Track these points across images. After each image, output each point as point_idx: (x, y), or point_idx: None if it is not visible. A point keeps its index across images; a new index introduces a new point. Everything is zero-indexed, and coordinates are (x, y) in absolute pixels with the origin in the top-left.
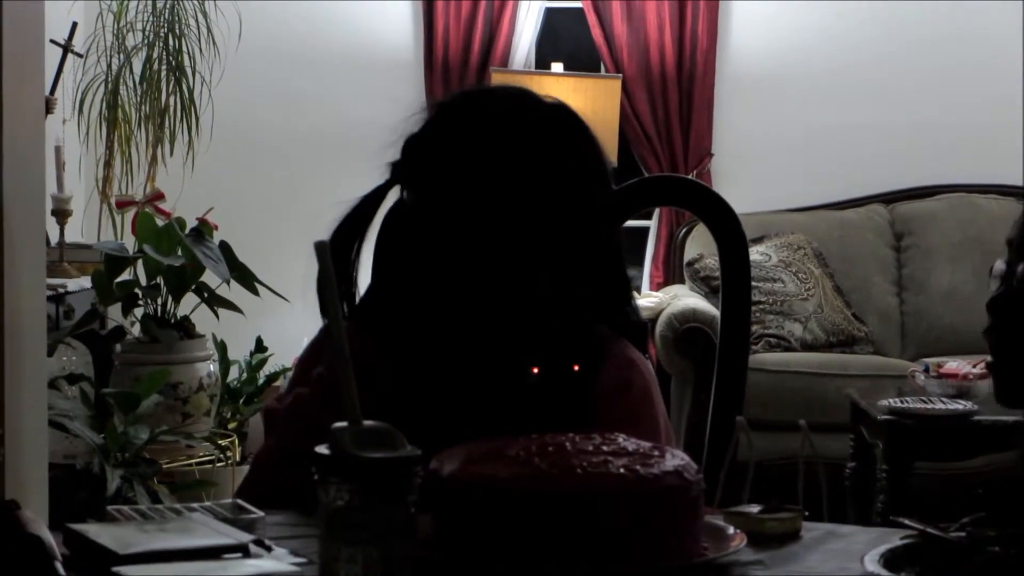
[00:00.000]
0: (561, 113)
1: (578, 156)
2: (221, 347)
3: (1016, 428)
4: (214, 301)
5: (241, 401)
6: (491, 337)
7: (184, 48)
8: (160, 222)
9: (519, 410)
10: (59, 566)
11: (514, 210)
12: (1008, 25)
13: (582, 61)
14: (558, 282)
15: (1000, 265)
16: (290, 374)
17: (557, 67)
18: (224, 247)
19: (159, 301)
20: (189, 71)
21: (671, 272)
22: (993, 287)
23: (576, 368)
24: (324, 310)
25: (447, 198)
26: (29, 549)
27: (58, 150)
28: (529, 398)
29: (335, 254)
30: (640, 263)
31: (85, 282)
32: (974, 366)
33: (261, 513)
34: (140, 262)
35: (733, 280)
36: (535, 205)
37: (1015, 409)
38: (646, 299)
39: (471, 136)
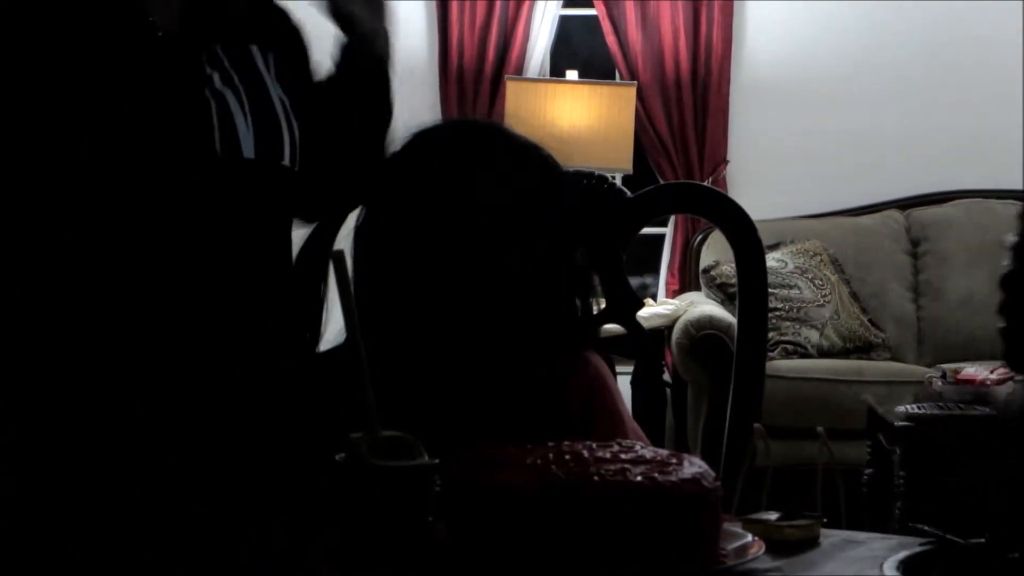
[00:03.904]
0: (531, 151)
1: (542, 192)
2: None
3: None
4: None
5: None
6: (448, 347)
7: None
8: None
9: (472, 414)
10: None
11: (470, 233)
12: None
13: (597, 69)
14: (509, 296)
15: (1011, 238)
16: None
17: (572, 75)
18: None
19: None
20: None
21: (687, 279)
22: (1005, 261)
23: (519, 368)
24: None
25: (408, 223)
26: None
27: None
28: (480, 402)
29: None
30: (656, 270)
31: None
32: (992, 372)
33: None
34: None
35: (749, 287)
36: (491, 231)
37: None
38: (662, 306)
39: (436, 165)
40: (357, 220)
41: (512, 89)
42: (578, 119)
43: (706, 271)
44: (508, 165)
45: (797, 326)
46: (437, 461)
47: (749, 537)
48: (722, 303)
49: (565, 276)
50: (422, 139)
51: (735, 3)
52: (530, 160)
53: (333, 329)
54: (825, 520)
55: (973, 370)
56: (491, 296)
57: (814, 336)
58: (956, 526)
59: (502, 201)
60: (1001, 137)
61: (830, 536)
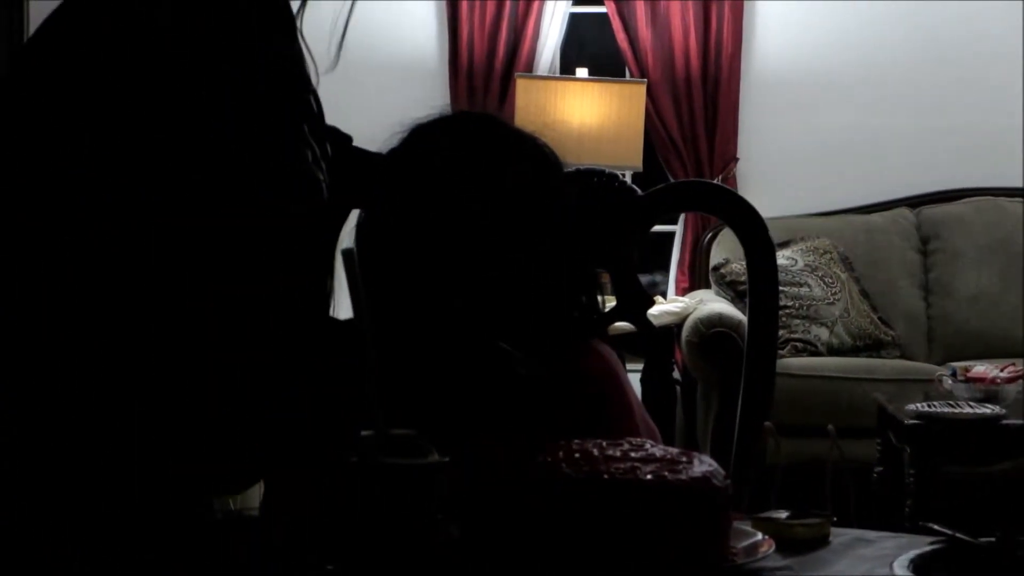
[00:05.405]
0: (529, 142)
1: (541, 183)
2: None
3: None
4: None
5: None
6: (451, 339)
7: None
8: None
9: (479, 411)
10: None
11: (471, 227)
12: None
13: (607, 66)
14: (511, 292)
15: None
16: None
17: (582, 72)
18: None
19: None
20: None
21: (697, 277)
22: None
23: (526, 362)
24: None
25: (409, 220)
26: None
27: None
28: (486, 399)
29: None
30: (666, 268)
31: None
32: (1002, 370)
33: None
34: None
35: (759, 284)
36: (490, 220)
37: None
38: (672, 304)
39: (436, 162)
40: (358, 218)
41: (522, 87)
42: (588, 117)
43: (716, 269)
44: (507, 158)
45: (807, 324)
46: (447, 459)
47: (759, 535)
48: (732, 301)
49: (569, 270)
50: (420, 134)
51: (745, 1)
52: (528, 151)
53: None
54: (835, 518)
55: (983, 368)
56: (492, 291)
57: (824, 334)
58: (966, 524)
59: (502, 194)
60: (1011, 135)
61: (840, 535)
